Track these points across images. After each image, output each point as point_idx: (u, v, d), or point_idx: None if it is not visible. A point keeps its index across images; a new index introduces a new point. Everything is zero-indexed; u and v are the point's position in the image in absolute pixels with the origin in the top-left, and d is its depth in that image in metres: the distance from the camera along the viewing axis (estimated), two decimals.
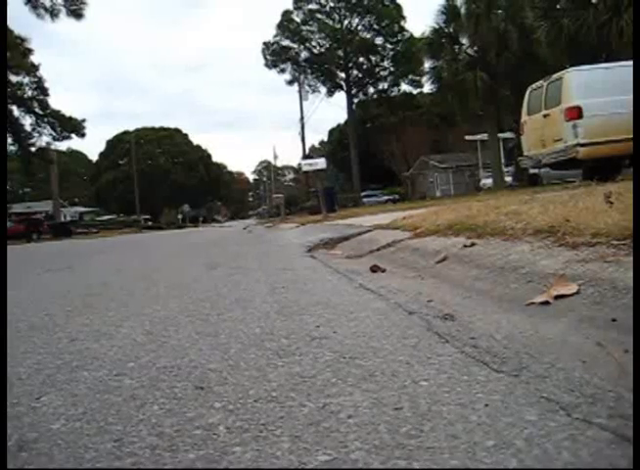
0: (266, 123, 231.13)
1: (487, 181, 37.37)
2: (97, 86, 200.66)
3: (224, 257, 7.46)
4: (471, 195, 23.63)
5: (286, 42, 61.58)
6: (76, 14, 33.60)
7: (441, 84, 33.56)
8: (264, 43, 61.28)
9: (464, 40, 32.79)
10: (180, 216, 68.07)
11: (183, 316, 2.78)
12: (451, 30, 32.83)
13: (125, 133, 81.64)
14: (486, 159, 38.10)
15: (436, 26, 32.77)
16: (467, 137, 43.99)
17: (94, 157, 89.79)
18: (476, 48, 31.95)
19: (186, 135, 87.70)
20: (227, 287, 3.80)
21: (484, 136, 36.27)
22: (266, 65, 61.66)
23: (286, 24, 61.31)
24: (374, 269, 4.17)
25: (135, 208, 63.11)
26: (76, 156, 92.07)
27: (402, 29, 60.51)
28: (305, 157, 34.77)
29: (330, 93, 62.34)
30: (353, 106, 62.67)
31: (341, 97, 66.69)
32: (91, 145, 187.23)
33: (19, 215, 48.02)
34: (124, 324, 2.68)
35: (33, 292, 4.50)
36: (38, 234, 39.86)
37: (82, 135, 44.60)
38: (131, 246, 15.15)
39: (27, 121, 44.04)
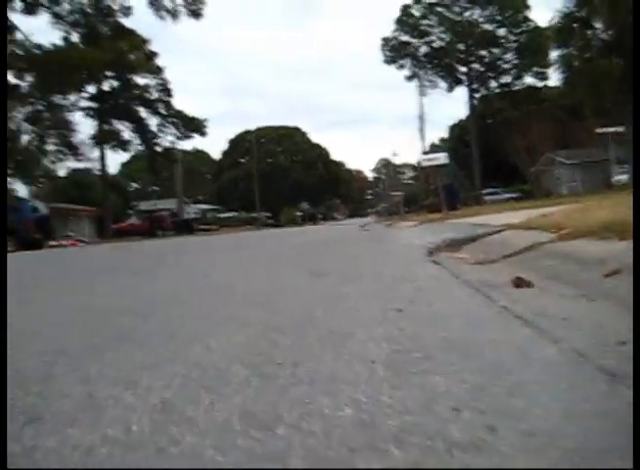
0: (385, 121, 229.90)
1: (622, 178, 34.62)
2: (221, 88, 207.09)
3: (335, 260, 6.74)
4: (603, 192, 21.81)
5: (405, 37, 60.43)
6: (196, 14, 34.20)
7: (571, 74, 31.37)
8: (383, 39, 60.41)
9: (597, 24, 30.38)
10: (299, 214, 68.27)
11: (237, 366, 1.82)
12: (583, 14, 30.51)
13: (247, 132, 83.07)
14: (619, 154, 35.31)
15: (566, 11, 30.59)
16: (598, 130, 40.98)
17: (217, 156, 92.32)
18: (611, 32, 29.47)
19: (305, 134, 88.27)
20: (325, 307, 2.93)
21: (618, 129, 33.60)
22: (385, 61, 60.71)
23: (405, 19, 60.13)
24: (517, 283, 3.23)
25: (255, 205, 63.87)
26: (200, 155, 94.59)
27: (526, 19, 57.73)
28: (425, 153, 33.63)
29: (450, 88, 60.60)
30: (474, 101, 60.52)
31: (461, 92, 64.87)
32: (214, 144, 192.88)
33: (144, 213, 49.64)
34: (135, 380, 1.76)
35: (70, 308, 3.89)
36: (162, 230, 40.96)
37: (203, 134, 45.77)
38: (242, 244, 14.79)
39: (153, 122, 45.63)
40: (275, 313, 2.86)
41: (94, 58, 23.46)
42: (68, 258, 13.87)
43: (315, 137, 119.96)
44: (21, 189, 45.26)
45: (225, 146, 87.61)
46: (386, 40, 60.25)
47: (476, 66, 60.43)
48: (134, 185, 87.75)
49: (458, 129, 68.26)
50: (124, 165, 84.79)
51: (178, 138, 45.38)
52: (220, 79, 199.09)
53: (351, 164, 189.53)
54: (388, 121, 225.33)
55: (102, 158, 44.42)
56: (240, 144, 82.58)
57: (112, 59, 25.30)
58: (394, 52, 60.33)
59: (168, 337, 2.40)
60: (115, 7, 35.02)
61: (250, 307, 3.12)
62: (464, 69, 60.08)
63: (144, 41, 39.84)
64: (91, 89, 42.59)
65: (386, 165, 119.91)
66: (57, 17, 29.84)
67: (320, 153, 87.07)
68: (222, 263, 7.83)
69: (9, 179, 40.88)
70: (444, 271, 4.30)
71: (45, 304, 4.14)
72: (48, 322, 3.14)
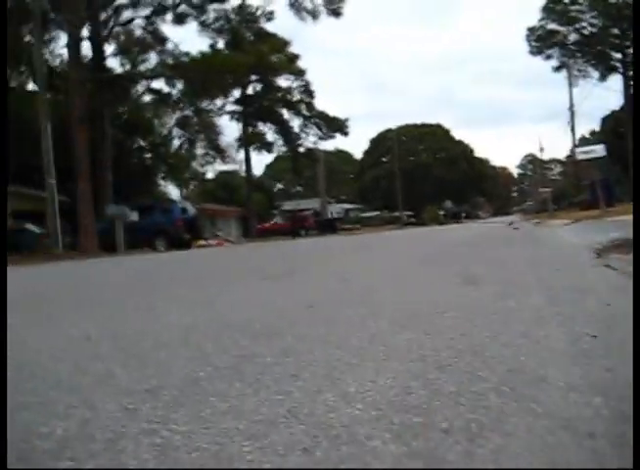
0: (529, 115, 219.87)
1: None
2: (361, 87, 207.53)
3: (488, 262, 6.07)
4: None
5: (552, 25, 57.01)
6: (336, 12, 34.06)
7: None
8: (528, 29, 57.38)
9: None
10: (442, 212, 66.83)
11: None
12: None
13: (388, 131, 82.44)
14: None
15: None
16: None
17: (359, 155, 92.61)
18: None
19: (448, 131, 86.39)
20: (491, 331, 2.29)
21: None
22: (531, 52, 57.63)
23: (552, 7, 56.81)
24: None
25: (397, 204, 63.21)
26: (342, 155, 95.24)
27: None
28: (576, 146, 31.49)
29: (603, 77, 56.46)
30: (631, 89, 56.13)
31: (615, 80, 60.40)
32: (356, 143, 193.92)
33: (287, 213, 50.35)
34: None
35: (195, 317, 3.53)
36: (305, 230, 41.25)
37: (346, 134, 45.71)
38: (383, 244, 14.32)
39: (296, 123, 46.25)
40: (433, 340, 2.24)
41: (238, 62, 23.95)
42: (219, 257, 14.04)
43: (457, 133, 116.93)
44: (173, 191, 47.74)
45: (366, 145, 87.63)
46: (531, 30, 57.22)
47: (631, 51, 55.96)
48: (278, 185, 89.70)
49: (611, 121, 63.76)
50: (268, 167, 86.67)
51: (320, 138, 45.73)
52: (360, 78, 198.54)
53: (495, 160, 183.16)
54: (533, 116, 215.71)
55: (247, 159, 45.64)
56: (381, 143, 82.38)
57: (254, 62, 25.72)
58: (541, 42, 57.13)
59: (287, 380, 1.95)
60: (259, 13, 35.98)
61: (402, 329, 2.52)
62: (618, 55, 55.80)
63: (285, 43, 40.53)
64: (236, 93, 44.13)
65: (531, 161, 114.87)
66: (203, 25, 31.02)
67: (463, 149, 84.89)
68: (364, 265, 7.39)
69: (162, 182, 43.24)
70: (625, 278, 3.57)
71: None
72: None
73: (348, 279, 5.27)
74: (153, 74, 25.26)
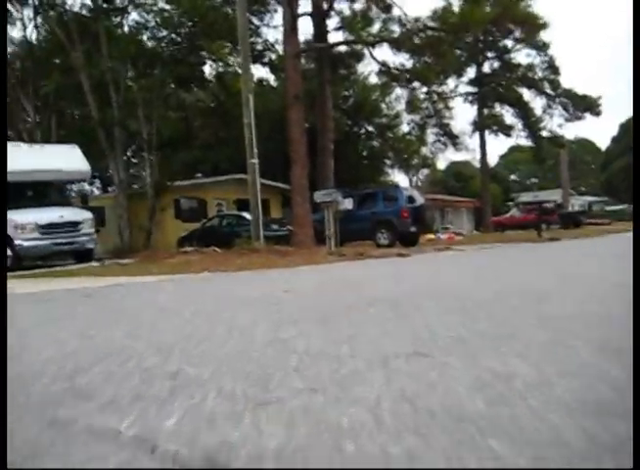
0: None
1: None
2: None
3: None
4: None
5: None
6: None
7: None
8: None
9: None
10: None
11: None
12: None
13: None
14: None
15: None
16: None
17: (603, 144, 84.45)
18: None
19: None
20: None
21: None
22: None
23: None
24: None
25: None
26: (584, 144, 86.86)
27: None
28: None
29: None
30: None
31: None
32: (600, 133, 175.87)
33: (525, 205, 45.88)
34: None
35: None
36: (547, 224, 36.61)
37: (597, 114, 39.17)
38: None
39: (538, 104, 40.97)
40: None
41: (476, 16, 19.80)
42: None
43: None
44: (402, 182, 44.94)
45: (615, 131, 78.59)
46: None
47: None
48: (512, 177, 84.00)
49: None
50: (502, 157, 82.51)
51: (567, 120, 39.64)
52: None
53: None
54: None
55: (482, 144, 40.97)
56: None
57: (494, 17, 21.29)
58: None
59: None
60: None
61: None
62: None
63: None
64: (471, 73, 39.97)
65: None
66: None
67: None
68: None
69: (390, 171, 40.55)
70: None
71: None
72: None
73: None
74: (375, 41, 21.90)
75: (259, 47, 27.39)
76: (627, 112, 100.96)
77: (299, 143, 20.03)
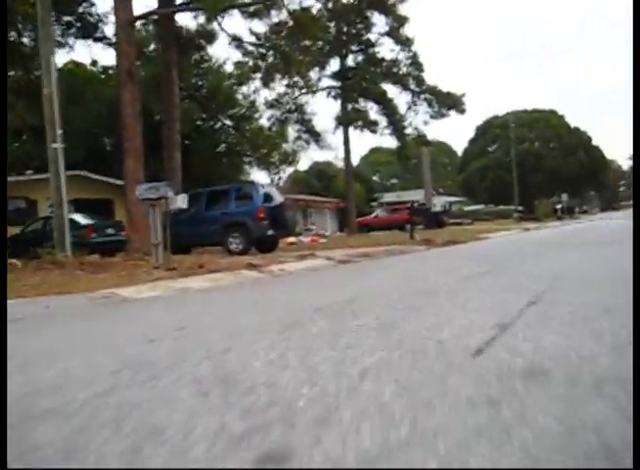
0: None
1: None
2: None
3: None
4: None
5: None
6: None
7: None
8: None
9: None
10: (559, 206, 59.30)
11: None
12: None
13: (495, 117, 76.98)
14: None
15: None
16: None
17: (458, 147, 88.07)
18: None
19: (562, 117, 77.62)
20: None
21: None
22: None
23: None
24: None
25: (504, 197, 60.00)
26: (440, 146, 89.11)
27: None
28: None
29: None
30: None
31: None
32: (454, 135, 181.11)
33: (391, 205, 45.07)
34: None
35: None
36: (414, 225, 35.59)
37: (462, 111, 38.51)
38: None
39: (402, 101, 40.03)
40: None
41: None
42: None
43: (573, 120, 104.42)
44: (263, 178, 42.26)
45: (472, 133, 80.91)
46: None
47: None
48: (374, 178, 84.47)
49: None
50: (363, 158, 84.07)
51: (432, 117, 38.68)
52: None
53: (606, 151, 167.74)
54: None
55: (346, 141, 39.02)
56: (488, 130, 75.81)
57: None
58: None
59: None
60: None
61: None
62: None
63: None
64: (334, 65, 38.03)
65: None
66: None
67: (581, 139, 75.73)
68: None
69: (249, 169, 37.65)
70: None
71: None
72: None
73: None
74: (225, 7, 18.67)
75: (93, 20, 23.39)
76: (484, 114, 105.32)
77: (133, 129, 16.47)
